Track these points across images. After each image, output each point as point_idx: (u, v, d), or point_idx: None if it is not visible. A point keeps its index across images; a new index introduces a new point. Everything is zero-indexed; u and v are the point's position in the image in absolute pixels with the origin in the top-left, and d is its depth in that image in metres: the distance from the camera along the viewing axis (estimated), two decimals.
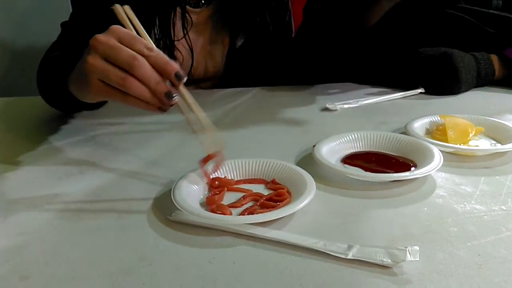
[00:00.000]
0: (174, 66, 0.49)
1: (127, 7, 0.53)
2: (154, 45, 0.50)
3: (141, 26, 0.53)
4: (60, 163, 0.62)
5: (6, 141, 0.73)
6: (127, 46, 0.48)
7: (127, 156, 0.64)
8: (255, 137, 0.71)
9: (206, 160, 0.52)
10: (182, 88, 0.50)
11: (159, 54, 0.49)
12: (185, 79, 0.50)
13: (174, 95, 0.49)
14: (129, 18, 0.52)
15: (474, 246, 0.42)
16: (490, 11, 0.95)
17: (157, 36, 0.88)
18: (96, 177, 0.58)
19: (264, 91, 0.97)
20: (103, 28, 0.50)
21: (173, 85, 0.50)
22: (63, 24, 0.88)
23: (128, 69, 0.48)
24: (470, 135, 0.65)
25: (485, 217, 0.47)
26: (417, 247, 0.39)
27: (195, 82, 1.03)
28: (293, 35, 1.13)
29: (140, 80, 0.48)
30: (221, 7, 0.97)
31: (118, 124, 0.78)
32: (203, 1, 0.96)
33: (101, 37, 0.49)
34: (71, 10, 0.89)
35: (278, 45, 1.05)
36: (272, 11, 1.00)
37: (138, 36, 0.50)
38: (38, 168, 0.61)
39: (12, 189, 0.55)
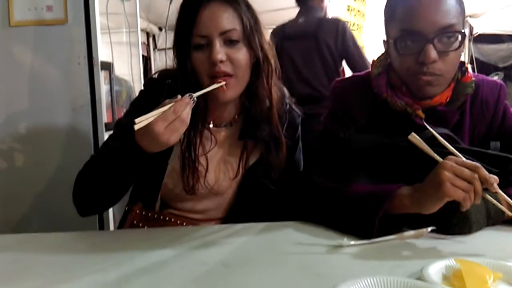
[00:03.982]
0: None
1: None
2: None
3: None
4: None
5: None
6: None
7: None
8: (268, 283, 0.69)
9: None
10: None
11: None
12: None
13: None
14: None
15: None
16: (489, 151, 0.99)
17: (182, 149, 1.01)
18: None
19: (273, 227, 0.97)
20: None
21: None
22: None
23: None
24: (489, 282, 0.63)
25: None
26: None
27: (206, 198, 1.07)
28: (300, 169, 1.18)
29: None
30: (241, 129, 1.07)
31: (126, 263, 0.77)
32: (224, 124, 1.07)
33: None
34: None
35: (286, 180, 1.09)
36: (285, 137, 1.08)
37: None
38: None
39: None
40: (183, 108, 0.82)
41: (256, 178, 1.06)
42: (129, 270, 0.74)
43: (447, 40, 0.93)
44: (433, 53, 0.91)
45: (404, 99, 0.99)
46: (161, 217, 1.06)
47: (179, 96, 0.84)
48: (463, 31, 0.94)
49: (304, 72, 2.27)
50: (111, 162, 0.93)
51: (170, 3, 2.34)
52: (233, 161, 1.07)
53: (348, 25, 2.68)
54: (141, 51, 2.63)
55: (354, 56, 2.25)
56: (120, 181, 0.95)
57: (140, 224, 1.05)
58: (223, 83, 0.93)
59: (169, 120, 0.81)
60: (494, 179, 0.80)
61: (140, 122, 0.80)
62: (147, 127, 0.81)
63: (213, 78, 0.95)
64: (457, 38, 0.93)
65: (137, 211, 1.05)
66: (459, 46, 0.94)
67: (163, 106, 0.82)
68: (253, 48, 0.98)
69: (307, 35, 2.26)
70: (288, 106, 1.12)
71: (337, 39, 2.22)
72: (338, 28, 2.24)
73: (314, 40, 2.23)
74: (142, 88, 1.11)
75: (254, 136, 1.05)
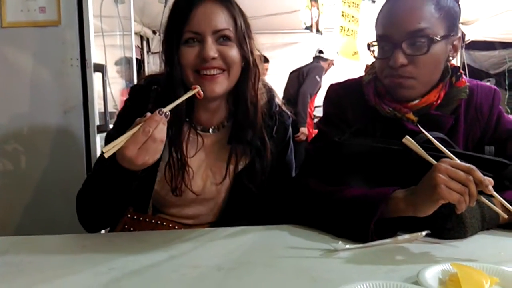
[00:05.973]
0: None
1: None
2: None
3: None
4: None
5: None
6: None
7: None
8: (262, 286, 0.68)
9: None
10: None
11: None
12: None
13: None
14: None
15: None
16: (484, 156, 0.99)
17: (171, 153, 0.99)
18: None
19: (267, 230, 0.96)
20: None
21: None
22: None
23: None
24: (486, 287, 0.62)
25: None
26: None
27: (197, 203, 1.06)
28: (293, 173, 1.17)
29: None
30: (229, 134, 1.06)
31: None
32: (212, 129, 1.06)
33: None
34: None
35: (277, 182, 1.09)
36: (274, 143, 1.07)
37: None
38: None
39: None
40: (153, 126, 0.78)
41: (245, 183, 1.05)
42: (120, 273, 0.73)
43: (415, 45, 0.94)
44: (400, 58, 0.93)
45: (391, 105, 1.00)
46: (153, 221, 1.04)
47: (148, 114, 0.80)
48: (435, 37, 0.94)
49: (290, 89, 4.20)
50: (103, 183, 0.91)
51: (165, 6, 2.33)
52: (221, 166, 1.06)
53: (342, 31, 3.93)
54: (134, 54, 2.62)
55: (305, 85, 4.09)
56: (117, 199, 0.94)
57: (132, 228, 1.03)
58: (198, 89, 0.92)
59: (140, 142, 0.77)
60: (489, 181, 0.79)
61: (109, 149, 0.77)
62: (120, 152, 0.78)
63: (200, 74, 0.95)
64: (426, 43, 0.94)
65: (129, 215, 1.04)
66: (427, 51, 0.94)
67: (134, 126, 0.79)
68: (244, 50, 0.99)
69: (298, 70, 4.26)
70: (278, 108, 1.11)
71: (307, 73, 4.15)
72: (310, 68, 4.19)
73: (298, 72, 4.24)
74: (128, 96, 1.07)
75: (242, 141, 1.04)
